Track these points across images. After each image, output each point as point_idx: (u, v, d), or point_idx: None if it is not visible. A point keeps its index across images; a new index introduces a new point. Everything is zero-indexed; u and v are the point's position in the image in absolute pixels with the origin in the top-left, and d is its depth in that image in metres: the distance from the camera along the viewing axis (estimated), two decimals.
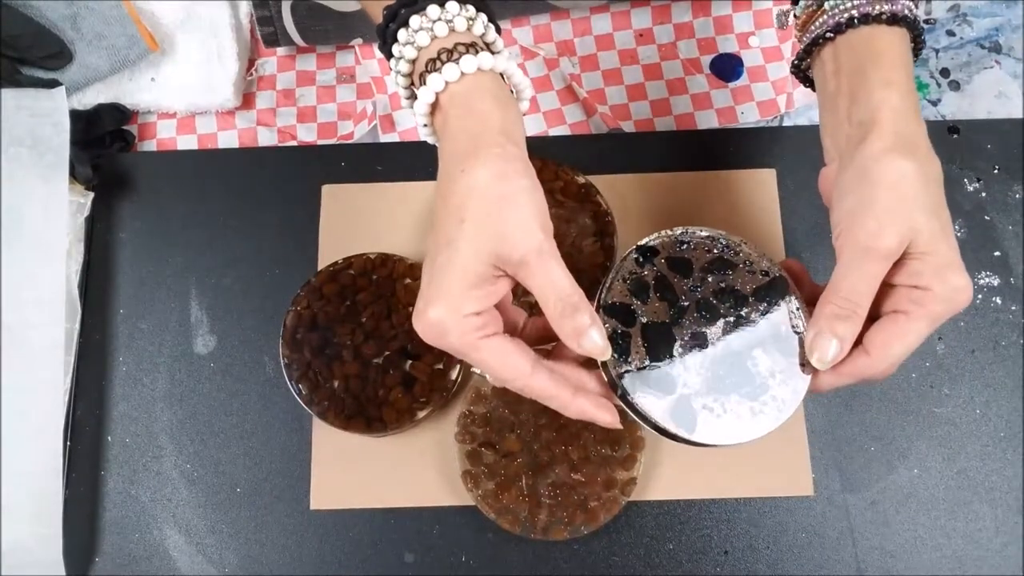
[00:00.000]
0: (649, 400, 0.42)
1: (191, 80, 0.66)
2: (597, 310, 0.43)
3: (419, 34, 0.42)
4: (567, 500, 0.53)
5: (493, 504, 0.54)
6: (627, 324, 0.43)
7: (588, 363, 0.44)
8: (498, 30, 0.45)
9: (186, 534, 0.56)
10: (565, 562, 0.55)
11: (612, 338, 0.42)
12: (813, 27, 0.45)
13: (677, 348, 0.43)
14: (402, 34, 0.43)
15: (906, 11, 0.43)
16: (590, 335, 0.40)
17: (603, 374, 0.43)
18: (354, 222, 0.62)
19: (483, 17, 0.43)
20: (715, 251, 0.45)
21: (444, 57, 0.41)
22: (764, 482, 0.56)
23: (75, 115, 0.61)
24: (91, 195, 0.62)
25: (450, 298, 0.39)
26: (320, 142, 0.66)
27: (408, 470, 0.57)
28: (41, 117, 0.59)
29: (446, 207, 0.41)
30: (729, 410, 0.42)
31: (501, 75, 0.43)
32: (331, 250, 0.61)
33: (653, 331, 0.43)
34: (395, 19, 0.43)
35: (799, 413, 0.57)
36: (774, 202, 0.62)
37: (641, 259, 0.45)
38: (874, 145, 0.41)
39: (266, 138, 0.67)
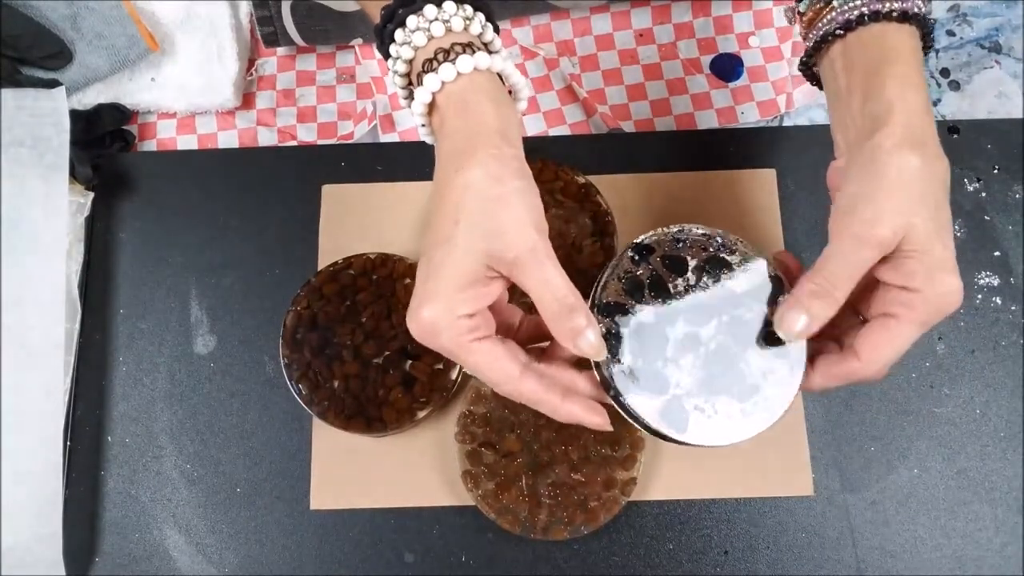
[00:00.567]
0: (641, 400, 0.42)
1: (191, 80, 0.66)
2: (592, 308, 0.43)
3: (416, 34, 0.42)
4: (567, 500, 0.53)
5: (493, 504, 0.54)
6: (621, 323, 0.43)
7: (580, 363, 0.44)
8: (496, 29, 0.45)
9: (186, 534, 0.56)
10: (565, 562, 0.55)
11: (605, 337, 0.42)
12: (821, 24, 0.45)
13: (670, 348, 0.43)
14: (399, 34, 0.43)
15: (916, 8, 0.43)
16: (585, 336, 0.40)
17: (596, 374, 0.43)
18: (354, 222, 0.62)
19: (481, 16, 0.43)
20: (710, 249, 0.45)
21: (441, 57, 0.41)
22: (764, 482, 0.56)
23: (75, 115, 0.61)
24: (91, 195, 0.62)
25: (443, 298, 0.39)
26: (320, 142, 0.66)
27: (408, 470, 0.57)
28: (41, 117, 0.59)
29: (442, 207, 0.41)
30: (720, 411, 0.42)
31: (499, 75, 0.43)
32: (331, 250, 0.61)
33: (647, 331, 0.43)
34: (392, 19, 0.43)
35: (799, 413, 0.57)
36: (774, 202, 0.62)
37: (636, 257, 0.45)
38: (884, 138, 0.41)
39: (266, 138, 0.67)
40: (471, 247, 0.39)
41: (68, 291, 0.59)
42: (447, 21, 0.42)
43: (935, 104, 0.66)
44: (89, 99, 0.65)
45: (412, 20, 0.42)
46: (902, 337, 0.40)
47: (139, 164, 0.65)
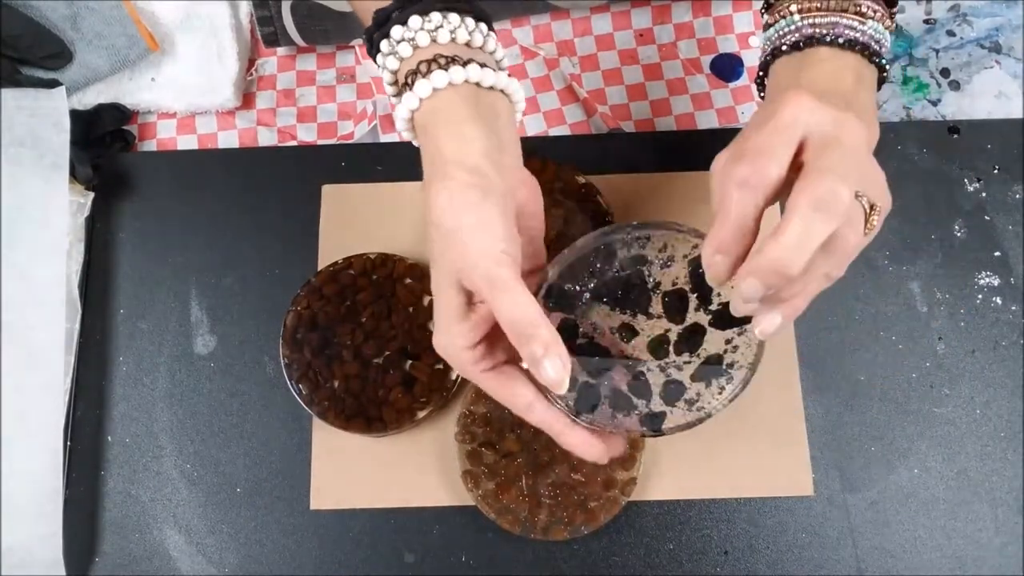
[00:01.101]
0: (607, 420, 0.43)
1: (191, 80, 0.66)
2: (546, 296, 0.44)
3: (401, 45, 0.42)
4: (567, 500, 0.53)
5: (493, 504, 0.54)
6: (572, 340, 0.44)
7: None
8: (491, 28, 0.44)
9: (186, 534, 0.56)
10: (565, 562, 0.55)
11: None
12: (764, 46, 0.46)
13: (619, 375, 0.44)
14: (384, 44, 0.43)
15: (850, 32, 0.42)
16: (544, 366, 0.39)
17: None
18: (354, 222, 0.62)
19: (468, 22, 0.43)
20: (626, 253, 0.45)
21: (424, 68, 0.41)
22: (764, 482, 0.56)
23: (75, 115, 0.61)
24: (91, 195, 0.62)
25: (446, 334, 0.41)
26: (320, 142, 0.66)
27: (408, 470, 0.57)
28: (41, 117, 0.59)
29: (427, 237, 0.42)
30: (701, 395, 0.43)
31: (479, 84, 0.42)
32: (331, 250, 0.61)
33: (593, 353, 0.44)
34: (379, 28, 0.43)
35: (799, 413, 0.57)
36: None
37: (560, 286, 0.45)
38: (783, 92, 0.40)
39: (266, 138, 0.67)
40: (444, 282, 0.41)
41: (68, 291, 0.59)
42: (433, 32, 0.42)
43: (935, 104, 0.66)
44: (89, 99, 0.65)
45: (397, 31, 0.42)
46: (798, 214, 0.37)
47: (139, 164, 0.65)
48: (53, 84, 0.62)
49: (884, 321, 0.59)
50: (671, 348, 0.44)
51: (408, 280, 0.57)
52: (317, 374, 0.56)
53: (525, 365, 0.40)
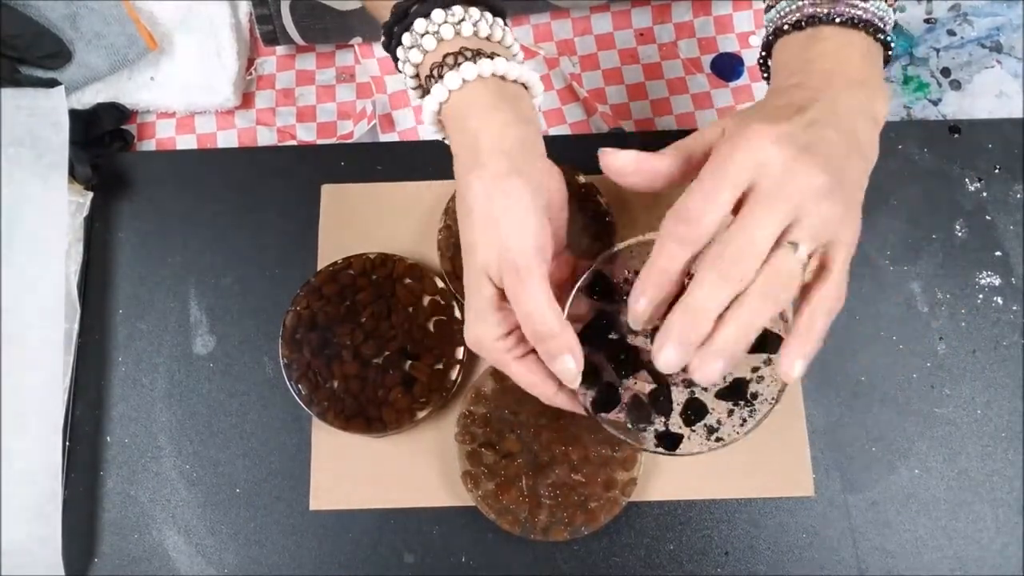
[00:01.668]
0: (622, 428, 0.43)
1: (190, 79, 0.66)
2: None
3: (425, 38, 0.42)
4: (567, 501, 0.53)
5: (493, 505, 0.53)
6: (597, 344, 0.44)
7: None
8: (505, 22, 0.45)
9: (185, 535, 0.56)
10: (565, 563, 0.55)
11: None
12: (767, 25, 0.46)
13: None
14: (407, 38, 0.43)
15: (851, 11, 0.42)
16: (558, 361, 0.41)
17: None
18: (354, 222, 0.62)
19: (488, 16, 0.43)
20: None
21: (451, 61, 0.41)
22: (765, 483, 0.56)
23: (74, 114, 0.61)
24: (90, 195, 0.62)
25: (479, 323, 0.42)
26: (320, 142, 0.66)
27: (408, 470, 0.57)
28: (40, 117, 0.59)
29: (461, 229, 0.42)
30: (723, 422, 0.43)
31: (504, 77, 0.43)
32: (331, 250, 0.61)
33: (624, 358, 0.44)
34: (400, 21, 0.43)
35: (799, 413, 0.57)
36: None
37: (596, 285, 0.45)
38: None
39: (266, 138, 0.67)
40: (478, 272, 0.41)
41: (67, 291, 0.59)
42: (456, 25, 0.42)
43: (936, 104, 0.66)
44: (88, 98, 0.65)
45: (420, 23, 0.42)
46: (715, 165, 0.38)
47: (138, 164, 0.65)
48: (52, 84, 0.62)
49: (885, 321, 0.59)
50: None
51: (408, 280, 0.57)
52: (317, 374, 0.56)
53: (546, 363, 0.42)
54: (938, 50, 0.67)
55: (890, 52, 0.44)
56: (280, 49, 0.69)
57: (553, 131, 0.65)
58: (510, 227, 0.40)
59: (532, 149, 0.42)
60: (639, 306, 0.39)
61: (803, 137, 0.37)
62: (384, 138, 0.66)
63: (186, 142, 0.66)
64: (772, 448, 0.56)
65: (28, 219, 0.58)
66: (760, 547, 0.55)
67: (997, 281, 0.60)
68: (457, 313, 0.57)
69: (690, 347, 0.37)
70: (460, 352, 0.56)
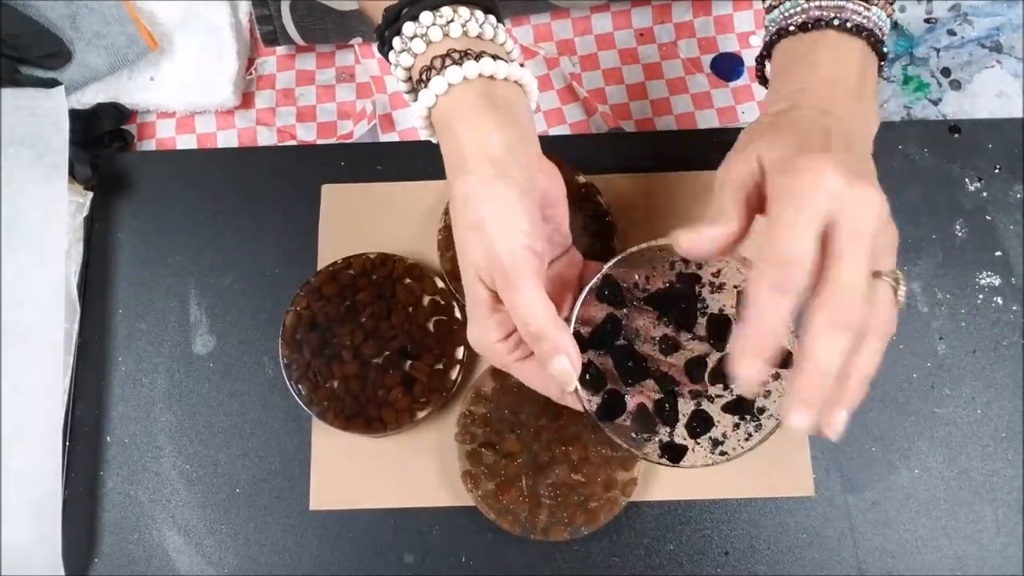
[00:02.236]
0: (627, 436, 0.43)
1: (190, 79, 0.66)
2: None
3: (414, 41, 0.42)
4: (567, 500, 0.53)
5: (493, 504, 0.53)
6: (602, 347, 0.44)
7: None
8: (500, 21, 0.44)
9: (185, 535, 0.56)
10: (565, 563, 0.55)
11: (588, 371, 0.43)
12: (768, 26, 0.46)
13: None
14: (397, 42, 0.43)
15: (856, 17, 0.42)
16: (552, 363, 0.40)
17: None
18: (354, 222, 0.62)
19: (478, 15, 0.43)
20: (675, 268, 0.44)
21: (438, 64, 0.41)
22: (765, 482, 0.56)
23: (74, 114, 0.61)
24: (90, 195, 0.62)
25: (478, 326, 0.43)
26: (320, 142, 0.66)
27: (408, 470, 0.57)
28: (41, 117, 0.59)
29: (454, 228, 0.42)
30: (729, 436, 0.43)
31: (492, 77, 0.42)
32: (331, 250, 0.61)
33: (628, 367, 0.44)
34: (391, 25, 0.43)
35: None
36: None
37: (607, 290, 0.44)
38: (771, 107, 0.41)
39: (266, 138, 0.67)
40: (471, 276, 0.41)
41: (67, 291, 0.59)
42: (445, 27, 0.42)
43: (936, 104, 0.65)
44: (88, 98, 0.65)
45: (409, 27, 0.42)
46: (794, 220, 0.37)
47: (138, 164, 0.65)
48: (52, 83, 0.62)
49: None
50: (707, 375, 0.43)
51: (408, 280, 0.57)
52: (316, 374, 0.56)
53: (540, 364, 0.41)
54: (938, 50, 0.67)
55: (883, 63, 0.45)
56: (280, 49, 0.69)
57: (553, 131, 0.65)
58: (496, 230, 0.40)
59: (521, 150, 0.42)
60: (755, 371, 0.36)
61: (853, 164, 0.37)
62: (384, 138, 0.66)
63: (186, 142, 0.66)
64: (772, 448, 0.55)
65: (28, 219, 0.58)
66: (760, 547, 0.55)
67: (997, 281, 0.59)
68: (457, 313, 0.57)
69: (818, 405, 0.36)
70: (460, 352, 0.56)
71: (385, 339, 0.56)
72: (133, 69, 0.66)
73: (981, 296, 0.59)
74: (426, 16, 0.42)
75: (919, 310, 0.59)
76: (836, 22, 0.42)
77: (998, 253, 0.60)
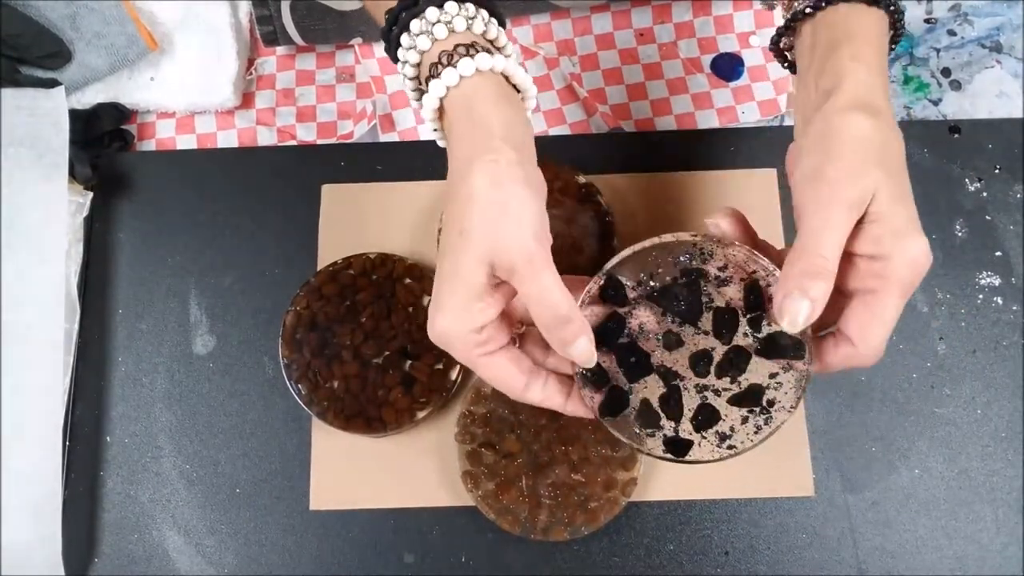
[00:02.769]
0: (630, 432, 0.43)
1: (190, 79, 0.66)
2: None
3: (420, 38, 0.42)
4: (567, 500, 0.53)
5: (493, 504, 0.53)
6: (606, 344, 0.43)
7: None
8: (502, 24, 0.45)
9: (185, 535, 0.56)
10: (565, 563, 0.55)
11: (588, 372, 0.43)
12: (796, 3, 0.45)
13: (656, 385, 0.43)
14: (405, 39, 0.43)
15: None
16: (575, 345, 0.40)
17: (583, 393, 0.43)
18: (354, 222, 0.62)
19: (483, 14, 0.43)
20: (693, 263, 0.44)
21: (445, 60, 0.41)
22: (765, 483, 0.56)
23: (74, 114, 0.61)
24: (90, 195, 0.62)
25: (454, 312, 0.40)
26: (320, 142, 0.66)
27: (408, 470, 0.57)
28: (41, 117, 0.59)
29: (450, 215, 0.41)
30: (735, 429, 0.42)
31: (504, 76, 0.43)
32: (331, 250, 0.61)
33: (631, 361, 0.43)
34: (396, 24, 0.43)
35: (800, 414, 0.57)
36: (774, 202, 0.61)
37: (612, 288, 0.44)
38: (833, 104, 0.41)
39: (266, 138, 0.67)
40: (475, 258, 0.40)
41: (67, 291, 0.59)
42: (449, 22, 0.42)
43: (936, 104, 0.65)
44: (88, 98, 0.65)
45: (415, 24, 0.42)
46: (889, 309, 0.39)
47: (138, 164, 0.65)
48: (52, 84, 0.62)
49: None
50: (712, 368, 0.43)
51: (408, 280, 0.57)
52: (316, 374, 0.56)
53: (557, 350, 0.41)
54: (938, 50, 0.67)
55: (898, 28, 0.45)
56: (280, 49, 0.69)
57: (553, 131, 0.65)
58: (522, 214, 0.40)
59: (530, 147, 0.42)
60: (804, 300, 0.39)
61: (915, 216, 0.40)
62: (384, 138, 0.66)
63: (186, 142, 0.66)
64: (772, 448, 0.55)
65: (28, 219, 0.58)
66: (760, 547, 0.55)
67: (997, 281, 0.59)
68: None
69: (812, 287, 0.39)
70: None
71: (385, 339, 0.56)
72: (133, 69, 0.66)
73: (981, 296, 0.59)
74: (432, 12, 0.42)
75: (919, 310, 0.59)
76: None
77: (998, 253, 0.60)
